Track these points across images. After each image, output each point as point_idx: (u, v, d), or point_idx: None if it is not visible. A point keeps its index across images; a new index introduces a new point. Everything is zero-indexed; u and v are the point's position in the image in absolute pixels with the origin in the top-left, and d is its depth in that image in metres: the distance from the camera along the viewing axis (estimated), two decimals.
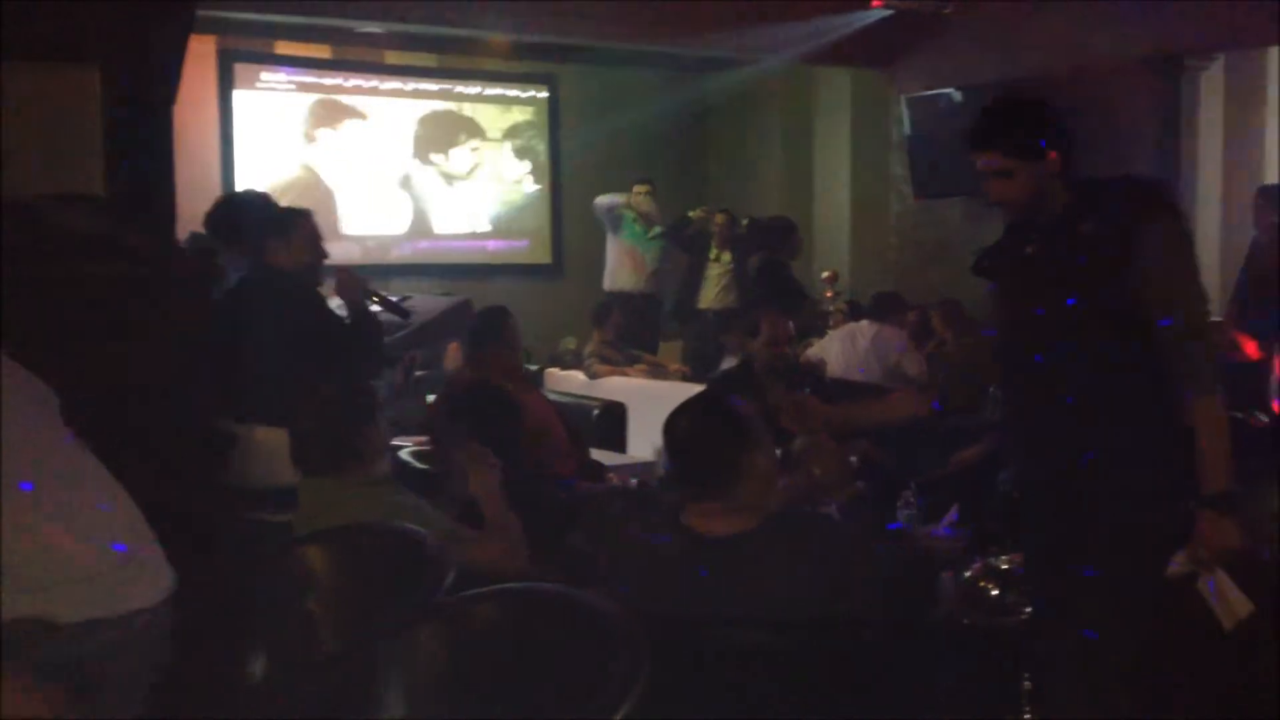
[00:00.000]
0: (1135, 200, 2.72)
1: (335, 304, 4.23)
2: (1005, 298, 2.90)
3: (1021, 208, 2.78)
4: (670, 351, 8.85)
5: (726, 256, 8.93)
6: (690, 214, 8.98)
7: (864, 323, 7.27)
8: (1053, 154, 2.73)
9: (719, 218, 9.01)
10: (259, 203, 4.54)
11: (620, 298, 8.71)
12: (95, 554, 2.10)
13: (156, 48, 3.74)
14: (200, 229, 4.45)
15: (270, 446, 3.80)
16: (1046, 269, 2.77)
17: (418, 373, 6.87)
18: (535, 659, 2.22)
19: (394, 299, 4.56)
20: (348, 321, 4.11)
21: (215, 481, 3.67)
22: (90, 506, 2.14)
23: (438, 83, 9.95)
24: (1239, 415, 5.58)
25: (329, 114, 9.56)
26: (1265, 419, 5.52)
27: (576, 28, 8.10)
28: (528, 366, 7.96)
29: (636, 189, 8.93)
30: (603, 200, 8.92)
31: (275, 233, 4.07)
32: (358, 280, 4.19)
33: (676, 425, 2.78)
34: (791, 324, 5.19)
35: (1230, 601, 2.69)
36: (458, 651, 2.30)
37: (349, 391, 3.23)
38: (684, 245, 9.08)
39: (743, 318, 6.97)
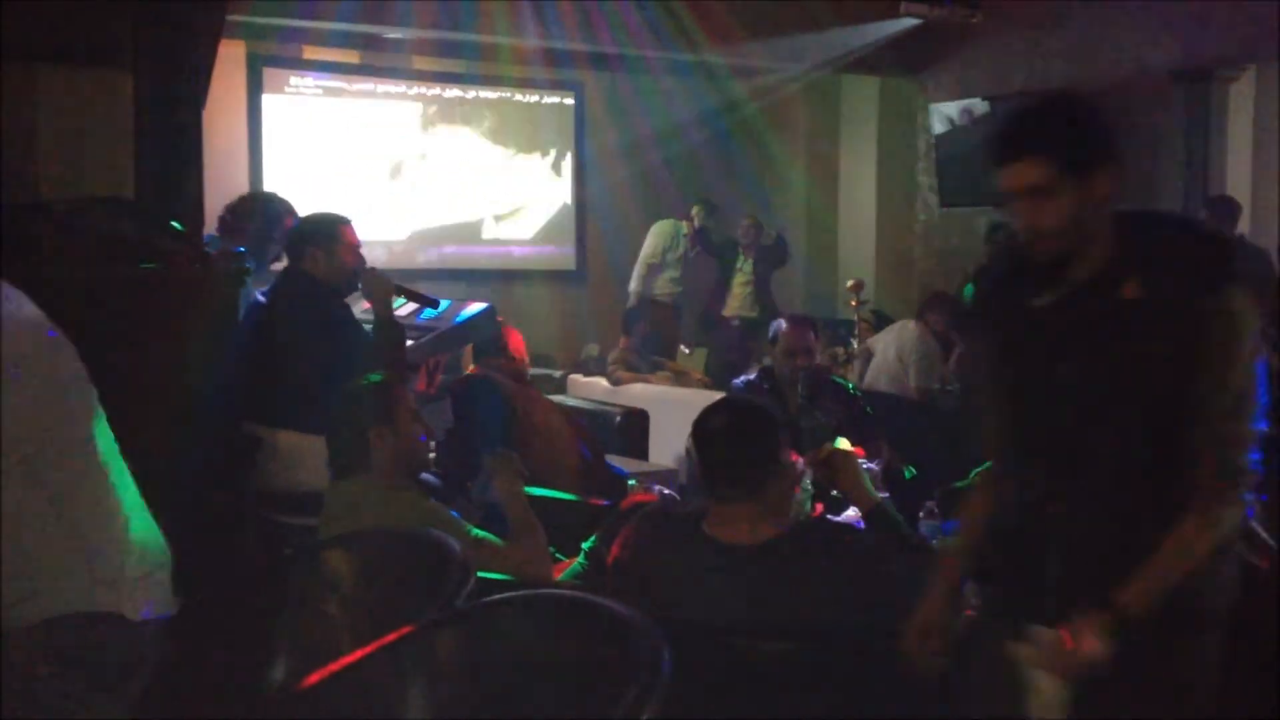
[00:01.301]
0: (1197, 264, 2.15)
1: (363, 307, 4.24)
2: (1009, 352, 2.34)
3: (1059, 239, 2.16)
4: (694, 360, 8.86)
5: (749, 266, 8.96)
6: (693, 211, 9.10)
7: (910, 322, 7.31)
8: (1105, 174, 2.14)
9: (744, 223, 9.06)
10: (282, 208, 4.57)
11: (645, 303, 8.75)
12: (152, 550, 2.12)
13: (187, 52, 3.77)
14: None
15: (295, 450, 3.82)
16: (1073, 330, 2.21)
17: (440, 377, 6.89)
18: (555, 665, 2.22)
19: (418, 292, 4.57)
20: (373, 326, 4.12)
21: (240, 484, 3.69)
22: (139, 502, 2.17)
23: (464, 89, 9.99)
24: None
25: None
26: None
27: (604, 36, 8.12)
28: (550, 372, 8.00)
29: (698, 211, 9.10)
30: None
31: (317, 241, 4.04)
32: (386, 283, 4.19)
33: (709, 423, 2.78)
34: (813, 334, 5.16)
35: (1042, 703, 2.23)
36: (478, 657, 2.30)
37: (358, 394, 3.23)
38: (713, 251, 9.13)
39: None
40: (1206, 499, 2.14)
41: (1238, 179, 8.45)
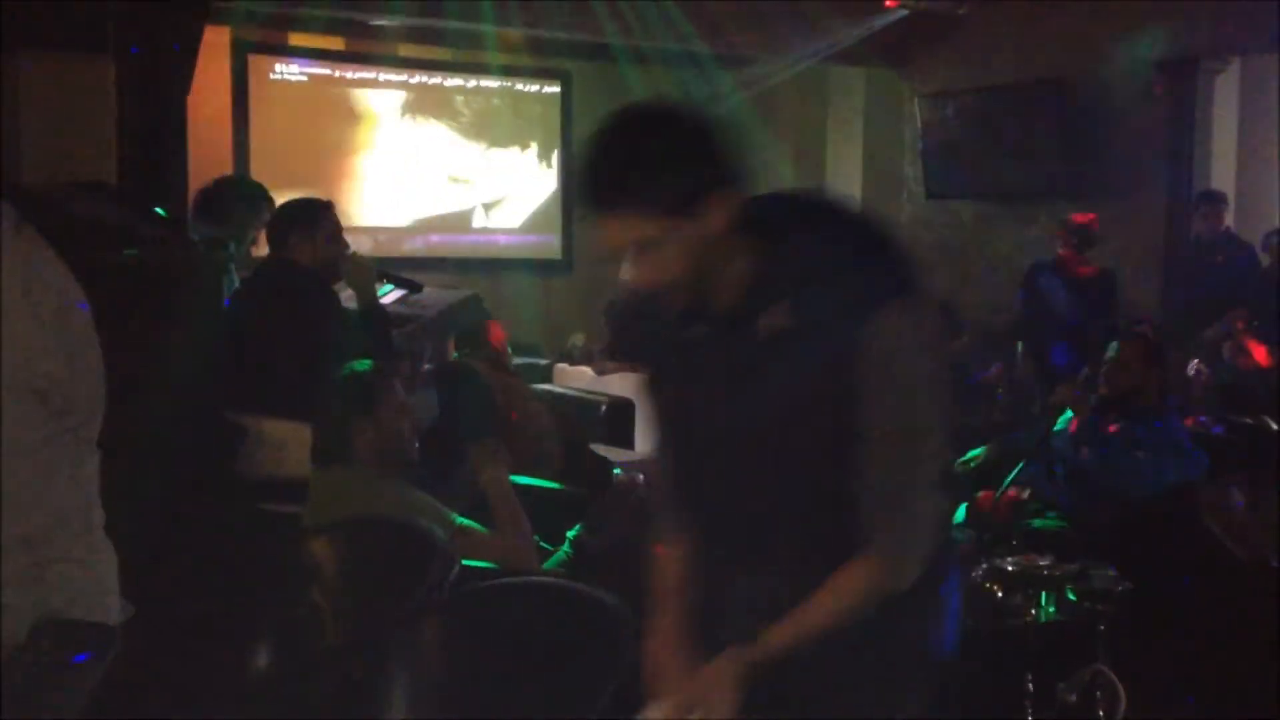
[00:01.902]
0: (849, 277, 1.78)
1: (347, 294, 4.23)
2: (664, 393, 1.99)
3: (682, 286, 1.77)
4: None
5: None
6: None
7: None
8: (717, 198, 1.72)
9: None
10: (260, 192, 4.56)
11: (635, 291, 8.73)
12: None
13: (170, 39, 3.75)
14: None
15: (279, 438, 3.81)
16: (721, 368, 1.84)
17: (425, 366, 6.88)
18: (539, 651, 2.22)
19: (403, 277, 4.60)
20: (358, 314, 4.11)
21: (225, 472, 3.68)
22: None
23: (451, 76, 9.96)
24: (1249, 421, 5.60)
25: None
26: (1275, 425, 5.53)
27: (592, 25, 8.10)
28: (536, 361, 7.98)
29: None
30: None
31: (300, 227, 4.03)
32: (370, 269, 4.18)
33: None
34: None
35: None
36: (461, 644, 2.30)
37: (339, 385, 3.22)
38: None
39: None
40: (869, 551, 1.80)
41: (1223, 169, 8.48)
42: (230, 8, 7.61)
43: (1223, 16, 7.65)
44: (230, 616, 2.73)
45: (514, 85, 10.24)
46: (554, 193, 10.43)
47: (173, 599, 2.54)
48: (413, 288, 4.56)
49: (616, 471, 4.74)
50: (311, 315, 3.96)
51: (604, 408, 6.44)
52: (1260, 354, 6.53)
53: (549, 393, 6.46)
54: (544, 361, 8.15)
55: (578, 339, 8.66)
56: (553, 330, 9.40)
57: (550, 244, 10.46)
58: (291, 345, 3.86)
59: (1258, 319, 6.78)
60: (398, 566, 2.65)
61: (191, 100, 4.13)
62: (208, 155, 8.29)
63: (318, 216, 4.08)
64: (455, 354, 5.11)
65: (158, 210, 3.59)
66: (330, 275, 4.11)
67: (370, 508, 3.06)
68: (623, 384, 7.26)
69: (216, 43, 8.54)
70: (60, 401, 1.87)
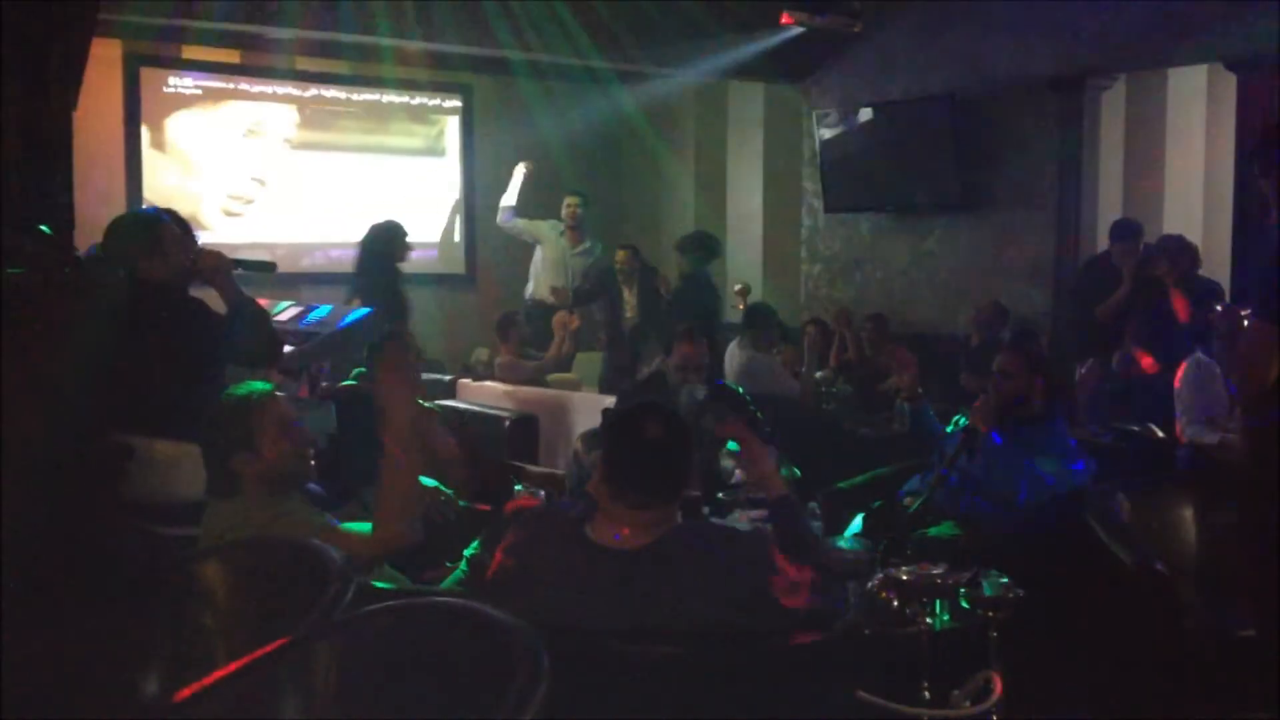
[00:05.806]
0: None
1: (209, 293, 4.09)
2: None
3: None
4: (590, 363, 8.77)
5: (635, 298, 8.85)
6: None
7: (732, 345, 7.43)
8: None
9: (620, 255, 8.87)
10: (128, 220, 4.44)
11: (541, 307, 8.68)
12: None
13: (55, 52, 3.66)
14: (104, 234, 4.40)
15: (170, 458, 3.74)
16: None
17: (324, 384, 6.79)
18: (435, 673, 2.20)
19: (257, 260, 4.39)
20: (226, 312, 3.94)
21: (110, 493, 3.59)
22: None
23: (350, 90, 9.87)
24: (1135, 429, 5.75)
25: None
26: (1160, 433, 5.68)
27: (490, 39, 8.09)
28: (440, 377, 7.92)
29: (568, 200, 8.94)
30: (514, 223, 8.92)
31: (144, 247, 3.88)
32: (223, 260, 3.96)
33: (645, 430, 2.73)
34: (705, 344, 5.26)
35: None
36: (356, 666, 2.27)
37: (217, 417, 3.15)
38: (597, 290, 8.95)
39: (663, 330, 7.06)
40: None
41: (1110, 184, 8.71)
42: (121, 20, 7.48)
43: (1109, 36, 7.87)
44: (119, 641, 2.67)
45: (415, 99, 10.17)
46: (457, 207, 10.39)
47: (59, 623, 2.48)
48: (266, 268, 4.37)
49: (518, 488, 4.72)
50: (178, 332, 3.82)
51: (508, 423, 6.44)
52: (1147, 363, 6.70)
53: (452, 408, 6.43)
54: (447, 377, 8.10)
55: (481, 353, 8.60)
56: (456, 345, 9.35)
57: (453, 258, 10.41)
58: (165, 365, 3.76)
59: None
60: (291, 588, 2.61)
61: (81, 115, 4.02)
62: (99, 171, 8.14)
63: (157, 231, 3.91)
64: (359, 369, 5.04)
65: (42, 228, 3.49)
66: (187, 281, 3.94)
67: (265, 529, 3.01)
68: (527, 399, 7.25)
69: (107, 56, 8.38)
70: None
